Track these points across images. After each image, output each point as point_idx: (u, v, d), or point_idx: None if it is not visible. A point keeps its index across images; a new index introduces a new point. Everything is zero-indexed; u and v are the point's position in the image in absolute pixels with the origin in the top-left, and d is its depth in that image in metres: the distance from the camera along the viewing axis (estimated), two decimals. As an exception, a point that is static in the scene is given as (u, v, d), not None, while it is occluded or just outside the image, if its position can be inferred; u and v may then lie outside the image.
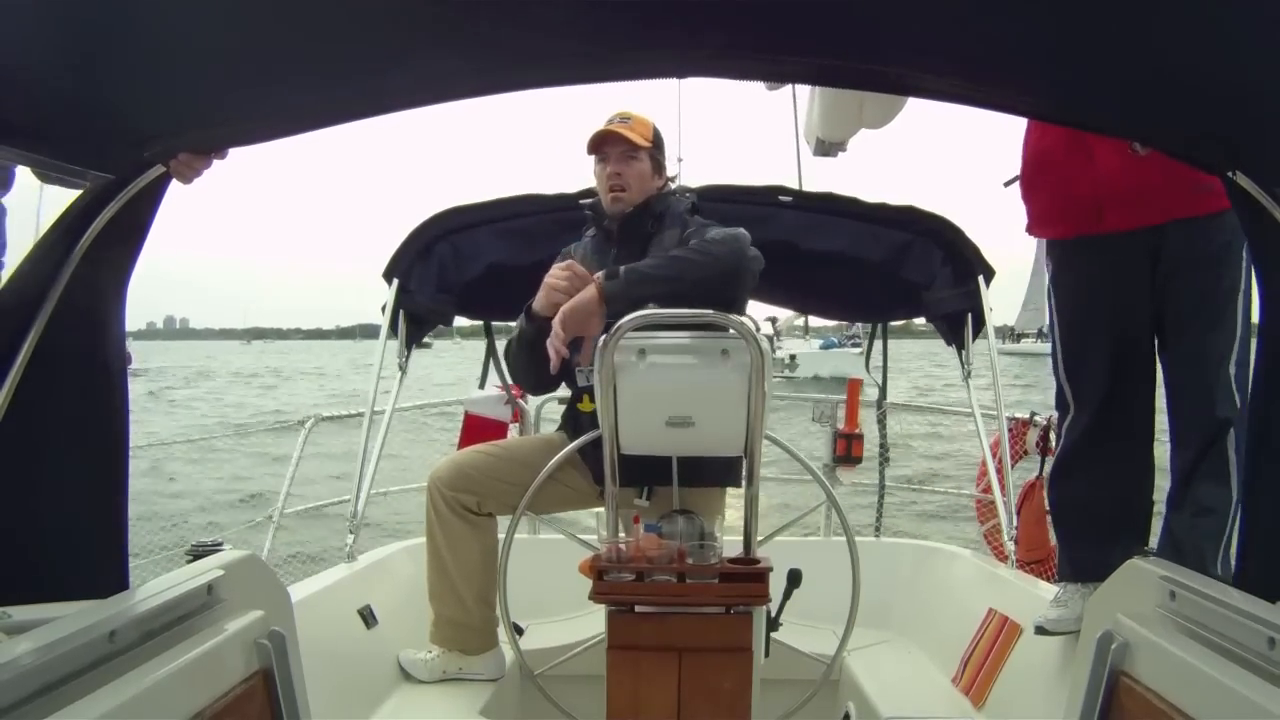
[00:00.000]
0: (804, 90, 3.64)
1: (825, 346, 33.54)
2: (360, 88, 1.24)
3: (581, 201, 2.34)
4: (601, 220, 2.24)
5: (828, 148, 3.48)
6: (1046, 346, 2.16)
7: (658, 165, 2.22)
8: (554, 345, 1.86)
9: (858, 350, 25.79)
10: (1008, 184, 2.13)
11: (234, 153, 1.38)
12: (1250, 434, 1.57)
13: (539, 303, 2.01)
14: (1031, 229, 2.11)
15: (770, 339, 1.84)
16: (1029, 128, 2.03)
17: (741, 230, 2.05)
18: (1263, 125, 1.21)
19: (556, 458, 1.99)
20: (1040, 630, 1.98)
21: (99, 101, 1.16)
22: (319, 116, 1.29)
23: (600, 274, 1.90)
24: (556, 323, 1.87)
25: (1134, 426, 1.93)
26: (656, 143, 2.22)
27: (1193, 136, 1.34)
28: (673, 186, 2.35)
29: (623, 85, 1.44)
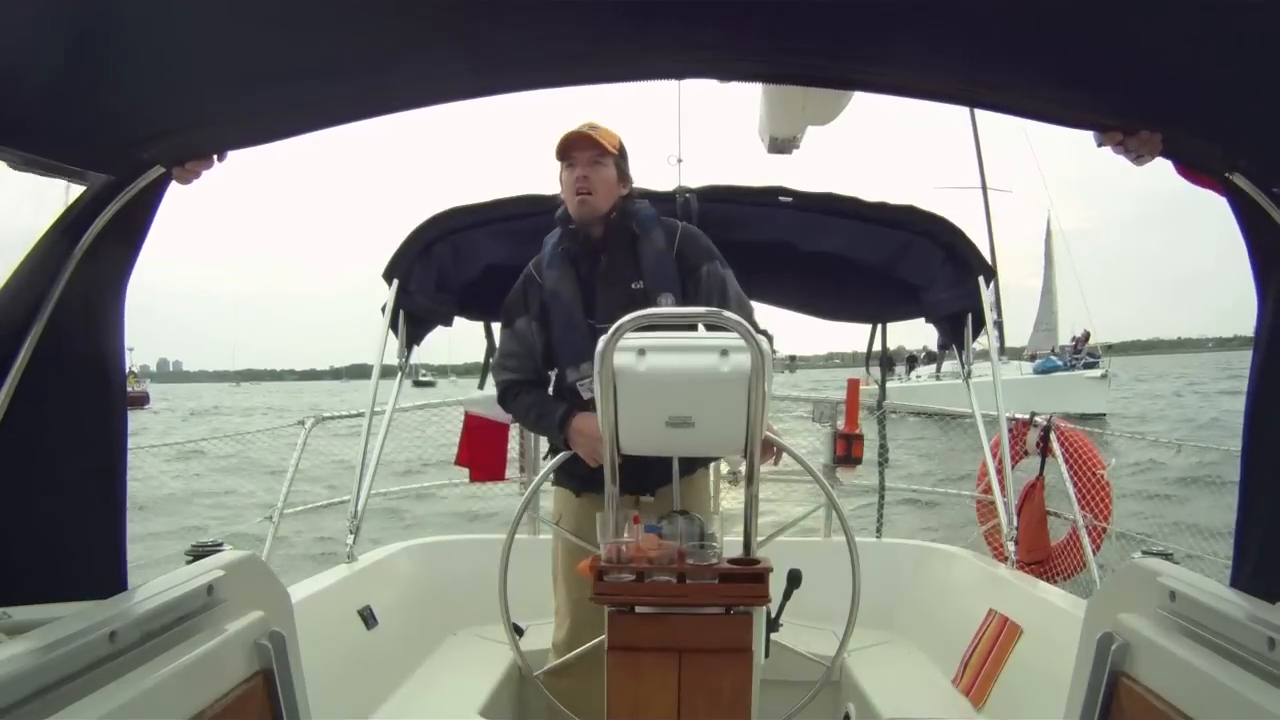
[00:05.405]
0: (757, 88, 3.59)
1: (1043, 370, 24.27)
2: (359, 88, 1.24)
3: (556, 214, 2.30)
4: (575, 227, 2.22)
5: (781, 144, 3.49)
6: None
7: (623, 174, 2.23)
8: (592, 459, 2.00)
9: (1097, 372, 21.55)
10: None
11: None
12: (1247, 436, 1.56)
13: (586, 456, 2.04)
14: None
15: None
16: None
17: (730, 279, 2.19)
18: (1261, 127, 1.21)
19: (552, 462, 2.05)
20: None
21: (99, 102, 1.16)
22: (319, 117, 1.29)
23: None
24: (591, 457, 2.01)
25: None
26: (622, 153, 2.24)
27: (1191, 138, 1.34)
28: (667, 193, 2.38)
29: (621, 86, 1.44)
